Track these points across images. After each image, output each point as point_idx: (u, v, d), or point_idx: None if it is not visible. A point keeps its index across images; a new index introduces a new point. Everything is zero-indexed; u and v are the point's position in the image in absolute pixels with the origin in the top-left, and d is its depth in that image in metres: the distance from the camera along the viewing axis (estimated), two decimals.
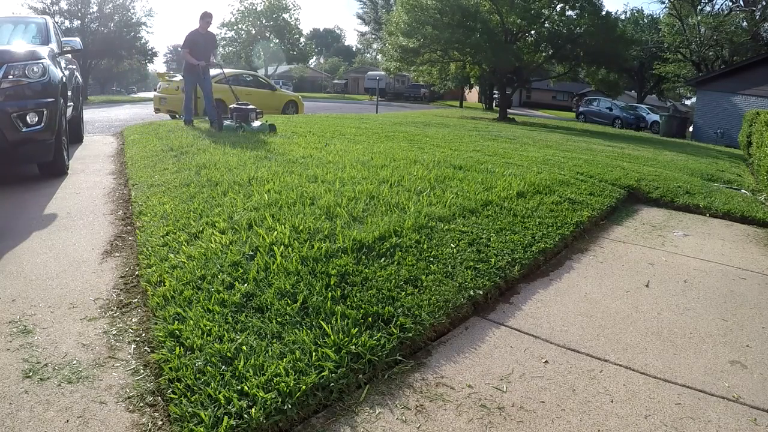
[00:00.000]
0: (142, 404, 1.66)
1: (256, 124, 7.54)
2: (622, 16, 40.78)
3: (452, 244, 2.94)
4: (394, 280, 2.42)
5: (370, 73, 48.14)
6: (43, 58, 4.39)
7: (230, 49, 43.80)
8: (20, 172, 4.94)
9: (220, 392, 1.60)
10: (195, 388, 1.63)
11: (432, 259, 2.73)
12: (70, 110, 5.78)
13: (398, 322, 2.10)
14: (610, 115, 28.55)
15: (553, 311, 2.56)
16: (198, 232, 2.85)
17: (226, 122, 7.54)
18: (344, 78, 61.38)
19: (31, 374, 1.77)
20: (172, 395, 1.63)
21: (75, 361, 1.86)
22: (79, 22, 33.05)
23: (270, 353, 1.81)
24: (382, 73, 30.56)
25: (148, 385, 1.75)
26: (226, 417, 1.51)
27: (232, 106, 7.68)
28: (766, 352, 2.31)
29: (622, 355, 2.18)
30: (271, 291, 2.20)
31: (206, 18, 7.98)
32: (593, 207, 4.36)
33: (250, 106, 7.90)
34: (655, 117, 27.64)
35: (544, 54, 21.33)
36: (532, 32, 20.69)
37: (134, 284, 2.51)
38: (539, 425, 1.70)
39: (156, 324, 2.01)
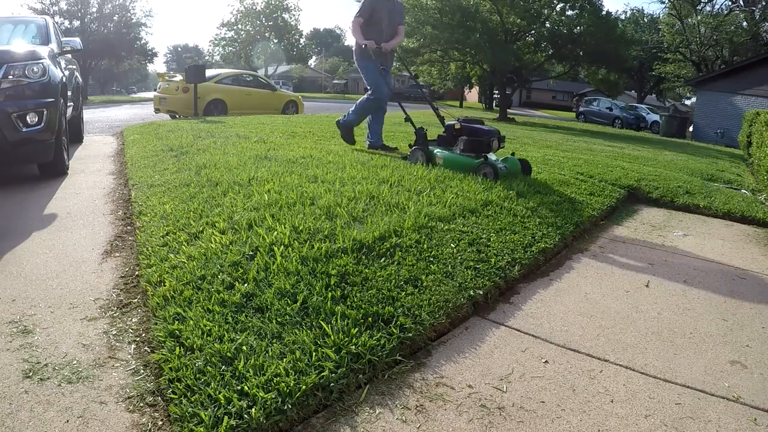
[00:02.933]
0: (142, 404, 1.66)
1: (494, 157, 4.88)
2: (622, 16, 40.91)
3: (452, 244, 2.94)
4: (394, 280, 2.42)
5: None
6: (43, 58, 4.39)
7: (230, 49, 43.83)
8: (20, 172, 4.95)
9: (220, 392, 1.60)
10: (195, 388, 1.63)
11: (432, 259, 2.73)
12: (70, 110, 5.78)
13: (398, 322, 2.10)
14: (610, 115, 28.59)
15: (553, 311, 2.56)
16: (198, 232, 2.85)
17: (437, 151, 4.92)
18: (344, 78, 61.38)
19: (31, 374, 1.76)
20: (172, 395, 1.63)
21: (75, 361, 1.86)
22: (78, 22, 33.12)
23: (270, 353, 1.81)
24: None
25: (148, 385, 1.75)
26: (226, 417, 1.51)
27: (452, 123, 4.98)
28: (766, 352, 2.31)
29: (622, 355, 2.18)
30: (271, 291, 2.20)
31: None
32: (593, 207, 4.36)
33: (491, 128, 4.92)
34: (655, 117, 27.69)
35: (544, 54, 21.37)
36: (532, 32, 20.73)
37: (134, 284, 2.51)
38: (539, 425, 1.70)
39: (156, 324, 2.01)
